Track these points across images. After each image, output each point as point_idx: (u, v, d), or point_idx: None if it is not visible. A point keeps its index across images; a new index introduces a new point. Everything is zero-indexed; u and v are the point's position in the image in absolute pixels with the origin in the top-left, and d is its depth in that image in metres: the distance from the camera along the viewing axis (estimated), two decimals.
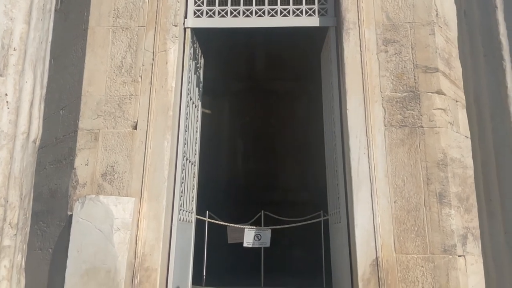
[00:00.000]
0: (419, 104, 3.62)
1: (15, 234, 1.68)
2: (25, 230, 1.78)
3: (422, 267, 3.31)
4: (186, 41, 4.04)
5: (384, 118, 3.61)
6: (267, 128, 8.57)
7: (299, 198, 8.05)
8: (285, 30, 4.73)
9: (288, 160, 8.43)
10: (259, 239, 4.78)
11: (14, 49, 1.75)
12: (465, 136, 3.83)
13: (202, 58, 4.74)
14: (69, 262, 3.18)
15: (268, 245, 4.86)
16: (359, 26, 3.77)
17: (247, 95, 8.61)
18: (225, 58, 7.91)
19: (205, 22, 4.13)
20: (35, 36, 1.84)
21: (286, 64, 8.54)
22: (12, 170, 1.68)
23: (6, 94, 1.70)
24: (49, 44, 1.99)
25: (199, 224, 4.98)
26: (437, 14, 3.84)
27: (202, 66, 4.74)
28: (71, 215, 3.39)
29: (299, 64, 8.09)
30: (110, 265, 3.17)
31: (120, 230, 3.24)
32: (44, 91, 1.95)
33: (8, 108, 1.69)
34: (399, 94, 3.65)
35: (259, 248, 5.34)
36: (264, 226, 5.32)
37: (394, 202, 3.44)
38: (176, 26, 3.88)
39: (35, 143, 1.84)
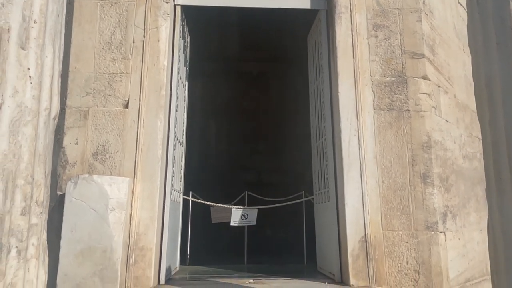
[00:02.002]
0: (406, 89, 3.77)
1: (41, 212, 1.65)
2: (47, 208, 1.75)
3: (407, 242, 3.51)
4: (176, 18, 3.95)
5: (374, 101, 3.74)
6: (242, 108, 8.56)
7: (272, 179, 8.19)
8: (267, 11, 4.73)
9: (264, 141, 8.51)
10: (246, 218, 4.85)
11: (35, 22, 1.68)
12: (446, 120, 4.05)
13: (189, 36, 4.67)
14: (63, 243, 3.12)
15: (254, 223, 4.95)
16: (350, 10, 3.84)
17: (223, 75, 8.54)
18: (203, 38, 7.78)
19: (195, 0, 4.05)
20: (53, 8, 1.78)
21: (260, 45, 8.52)
22: (37, 147, 1.64)
23: (29, 69, 1.64)
24: (64, 17, 1.92)
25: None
26: (424, 1, 3.98)
27: (188, 45, 4.67)
28: (62, 195, 3.31)
29: (277, 45, 8.11)
30: (106, 245, 3.14)
31: (115, 210, 3.20)
32: (61, 66, 1.89)
33: (31, 83, 1.64)
34: (388, 79, 3.79)
35: (242, 229, 5.42)
36: (245, 206, 5.39)
37: (382, 182, 3.61)
38: (167, 3, 3.79)
39: (55, 119, 1.80)
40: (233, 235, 6.07)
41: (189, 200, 5.13)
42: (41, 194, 1.65)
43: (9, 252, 1.49)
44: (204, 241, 6.60)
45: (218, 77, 8.59)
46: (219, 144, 8.70)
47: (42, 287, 1.65)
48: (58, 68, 1.82)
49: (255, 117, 8.54)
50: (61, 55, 1.89)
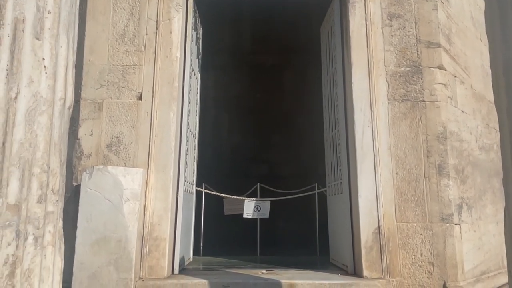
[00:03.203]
0: (421, 79, 3.71)
1: (57, 200, 1.68)
2: (63, 197, 1.78)
3: (421, 234, 3.48)
4: (189, 10, 3.95)
5: (388, 92, 3.69)
6: (254, 101, 8.55)
7: (285, 171, 8.19)
8: (280, 2, 4.69)
9: (276, 134, 8.49)
10: (258, 210, 4.86)
11: (49, 12, 1.69)
12: (462, 111, 3.98)
13: (201, 28, 4.67)
14: (78, 232, 3.17)
15: (267, 216, 4.96)
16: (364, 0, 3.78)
17: (235, 68, 8.53)
18: (214, 30, 7.77)
19: None
20: None
21: (272, 37, 8.46)
22: (52, 136, 1.66)
23: (44, 59, 1.66)
24: (77, 8, 1.94)
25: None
26: None
27: (201, 36, 4.67)
28: (77, 186, 3.36)
29: (290, 37, 8.05)
30: (120, 235, 3.18)
31: (129, 200, 3.24)
32: (75, 56, 1.91)
33: (46, 73, 1.66)
34: (403, 69, 3.73)
35: (255, 221, 5.44)
36: (258, 198, 5.40)
37: (396, 173, 3.57)
38: None
39: (70, 109, 1.82)
40: (246, 226, 6.10)
41: (203, 192, 5.16)
42: (57, 182, 1.67)
43: (26, 239, 1.52)
44: (217, 233, 6.65)
45: (231, 70, 8.59)
46: (233, 136, 8.71)
47: (58, 274, 1.68)
48: (72, 58, 1.84)
49: (269, 110, 8.52)
50: (75, 45, 1.91)
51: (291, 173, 7.92)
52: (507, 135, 1.75)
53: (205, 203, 5.46)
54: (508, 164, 1.75)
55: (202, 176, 5.74)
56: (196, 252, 4.91)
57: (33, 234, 1.55)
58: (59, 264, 1.68)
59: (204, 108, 8.50)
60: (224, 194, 5.46)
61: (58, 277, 1.67)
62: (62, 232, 1.76)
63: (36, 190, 1.58)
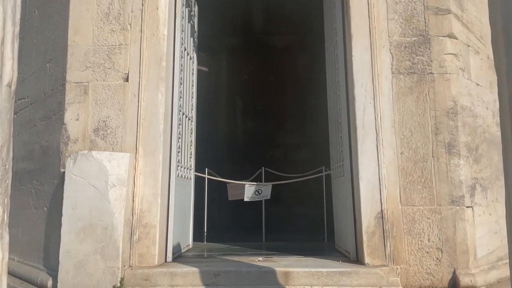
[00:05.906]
0: (429, 49, 3.39)
1: None
2: (5, 182, 1.63)
3: (429, 218, 3.21)
4: None
5: (392, 65, 3.39)
6: (265, 85, 8.29)
7: (299, 155, 7.94)
8: None
9: (288, 117, 8.24)
10: (260, 194, 4.68)
11: None
12: (476, 84, 3.63)
13: (196, 5, 4.44)
14: (64, 220, 3.07)
15: (268, 197, 4.77)
16: None
17: (244, 51, 8.27)
18: (221, 12, 7.52)
19: None
20: None
21: (285, 18, 8.13)
22: None
23: None
24: None
25: (201, 182, 4.88)
26: None
27: (196, 14, 4.45)
28: (63, 172, 3.25)
29: (299, 17, 7.70)
30: (106, 222, 3.06)
31: (115, 186, 3.11)
32: (17, 28, 1.73)
33: None
34: (408, 39, 3.41)
35: (260, 206, 5.27)
36: (261, 182, 5.21)
37: (401, 153, 3.30)
38: None
39: (10, 87, 1.65)
40: (257, 212, 5.94)
41: (212, 178, 5.01)
42: None
43: None
44: (229, 218, 6.52)
45: (242, 52, 8.34)
46: (245, 121, 8.52)
47: None
48: (11, 30, 1.67)
49: (281, 92, 8.27)
50: (17, 16, 1.73)
51: (304, 157, 7.67)
52: (507, 102, 1.48)
53: (217, 188, 5.31)
54: (508, 135, 1.48)
55: (216, 161, 5.58)
56: (200, 238, 4.80)
57: None
58: None
59: (217, 92, 8.37)
60: (232, 179, 5.29)
61: None
62: (5, 221, 1.62)
63: None
